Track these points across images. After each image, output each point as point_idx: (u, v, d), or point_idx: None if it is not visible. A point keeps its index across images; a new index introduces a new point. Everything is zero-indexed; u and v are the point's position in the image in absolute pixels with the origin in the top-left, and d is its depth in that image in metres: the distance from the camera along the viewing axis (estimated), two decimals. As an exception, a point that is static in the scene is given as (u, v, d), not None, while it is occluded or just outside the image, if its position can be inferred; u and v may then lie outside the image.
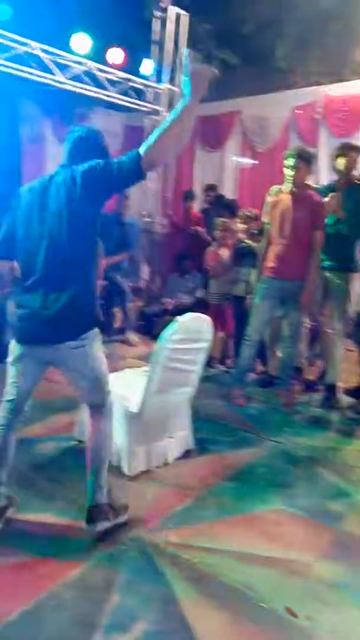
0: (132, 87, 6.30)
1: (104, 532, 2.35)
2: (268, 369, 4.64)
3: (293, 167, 3.75)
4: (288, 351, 4.14)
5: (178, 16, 6.32)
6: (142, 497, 2.72)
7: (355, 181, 4.00)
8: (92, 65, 5.64)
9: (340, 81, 6.35)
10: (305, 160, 3.79)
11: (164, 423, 3.03)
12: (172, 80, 6.56)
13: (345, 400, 4.18)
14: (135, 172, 2.02)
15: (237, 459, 3.20)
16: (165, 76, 6.50)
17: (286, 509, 2.69)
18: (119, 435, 2.89)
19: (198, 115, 6.83)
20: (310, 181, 4.08)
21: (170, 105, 6.67)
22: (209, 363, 3.96)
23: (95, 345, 2.29)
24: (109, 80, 5.98)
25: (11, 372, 2.33)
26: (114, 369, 3.68)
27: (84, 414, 3.08)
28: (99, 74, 5.78)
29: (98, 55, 5.72)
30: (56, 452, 3.14)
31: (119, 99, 6.21)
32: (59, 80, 5.44)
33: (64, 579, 2.08)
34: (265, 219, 4.08)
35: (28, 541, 2.32)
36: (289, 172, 3.79)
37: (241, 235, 4.80)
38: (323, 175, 5.92)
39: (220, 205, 5.92)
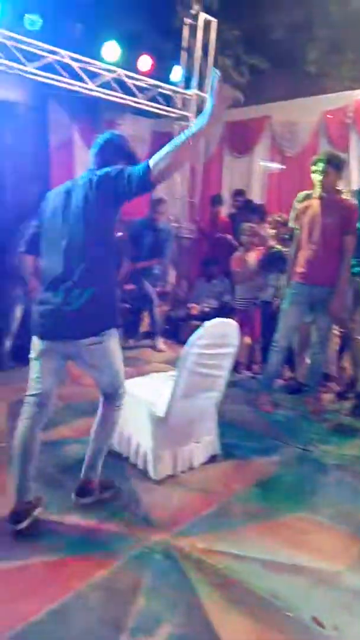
0: (161, 93, 6.35)
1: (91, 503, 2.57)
2: (296, 376, 4.60)
3: (321, 172, 3.72)
4: (317, 358, 4.09)
5: (207, 22, 6.35)
6: (168, 501, 2.72)
7: None
8: (121, 72, 5.71)
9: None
10: (334, 165, 3.75)
11: (190, 427, 3.03)
12: (200, 86, 6.59)
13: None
14: (144, 183, 2.11)
15: (264, 466, 3.18)
16: (194, 82, 6.53)
17: (313, 516, 2.65)
18: (145, 438, 2.91)
19: (227, 120, 6.94)
20: (340, 186, 4.04)
21: (199, 111, 6.70)
22: (235, 368, 3.95)
23: (113, 342, 2.40)
24: (138, 87, 6.04)
25: (35, 367, 2.41)
26: (140, 373, 3.72)
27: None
28: (127, 80, 5.85)
29: (126, 62, 5.79)
30: (82, 454, 3.13)
31: (148, 105, 6.26)
32: (89, 87, 5.53)
33: (90, 580, 2.10)
34: (292, 224, 4.05)
35: (54, 541, 2.34)
36: (317, 177, 3.76)
37: (271, 241, 4.77)
38: (354, 180, 5.85)
39: (249, 210, 5.91)
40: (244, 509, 2.70)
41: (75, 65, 5.34)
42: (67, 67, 5.32)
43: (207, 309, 5.71)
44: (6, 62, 4.82)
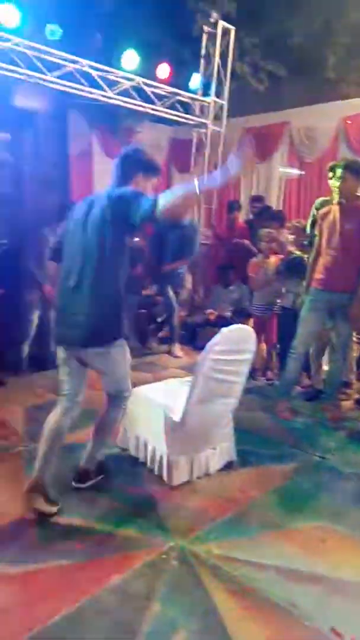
0: (179, 100, 6.39)
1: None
2: (313, 382, 4.56)
3: (339, 178, 3.70)
4: (336, 364, 4.06)
5: (226, 30, 6.38)
6: (184, 507, 2.72)
7: None
8: (140, 80, 5.77)
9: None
10: (353, 171, 3.72)
11: (206, 433, 3.02)
12: (218, 94, 6.62)
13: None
14: (149, 217, 2.23)
15: (281, 473, 3.15)
16: (212, 90, 6.56)
17: (331, 525, 2.62)
18: (160, 444, 2.91)
19: (246, 126, 6.93)
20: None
21: (217, 118, 6.73)
22: (251, 375, 3.93)
23: (118, 352, 2.56)
24: (156, 95, 6.09)
25: (61, 370, 2.64)
26: (157, 379, 3.73)
27: (125, 422, 3.14)
28: (146, 88, 5.90)
29: (145, 70, 5.84)
30: (100, 458, 3.18)
31: (166, 113, 6.31)
32: (108, 95, 5.59)
33: (107, 585, 2.10)
34: (309, 230, 4.02)
35: (71, 545, 2.36)
36: (334, 183, 3.74)
37: (290, 247, 4.74)
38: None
39: (267, 216, 5.89)
40: (261, 516, 2.68)
41: (94, 73, 5.41)
42: (86, 76, 5.39)
43: (224, 315, 5.70)
44: (27, 71, 4.91)
